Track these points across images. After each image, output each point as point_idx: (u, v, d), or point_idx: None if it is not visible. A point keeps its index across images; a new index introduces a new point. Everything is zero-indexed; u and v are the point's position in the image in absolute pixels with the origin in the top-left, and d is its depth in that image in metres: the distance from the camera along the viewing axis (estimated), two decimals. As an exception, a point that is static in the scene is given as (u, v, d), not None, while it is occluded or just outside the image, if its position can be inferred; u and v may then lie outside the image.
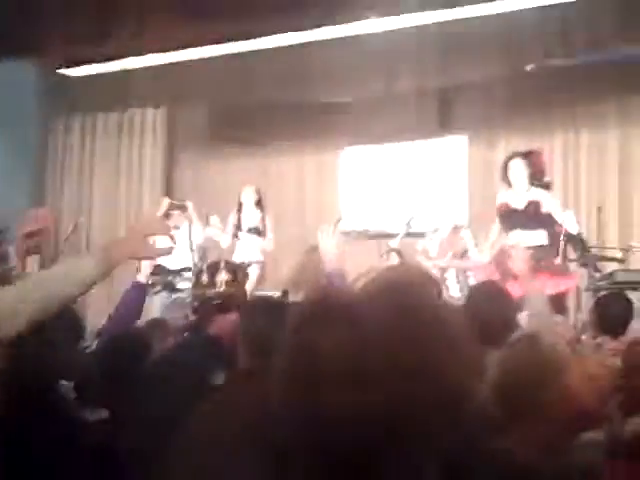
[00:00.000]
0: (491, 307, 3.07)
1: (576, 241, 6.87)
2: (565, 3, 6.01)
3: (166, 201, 7.79)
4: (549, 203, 5.92)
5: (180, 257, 7.02)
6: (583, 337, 4.43)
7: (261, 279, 7.40)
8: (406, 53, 6.85)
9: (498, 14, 6.24)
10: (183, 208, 7.76)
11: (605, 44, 6.61)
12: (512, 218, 5.87)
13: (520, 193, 5.95)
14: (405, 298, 0.95)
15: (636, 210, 7.80)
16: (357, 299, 0.95)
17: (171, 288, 7.16)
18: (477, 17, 6.19)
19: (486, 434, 1.79)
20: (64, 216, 9.63)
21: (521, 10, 6.14)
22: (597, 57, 7.23)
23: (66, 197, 9.82)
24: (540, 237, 5.91)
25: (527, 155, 6.11)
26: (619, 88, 7.90)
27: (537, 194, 5.93)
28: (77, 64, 7.31)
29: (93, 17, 6.01)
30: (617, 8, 6.13)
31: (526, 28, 6.54)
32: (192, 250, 7.07)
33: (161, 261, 6.96)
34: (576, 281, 6.17)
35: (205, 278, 6.42)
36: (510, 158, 6.13)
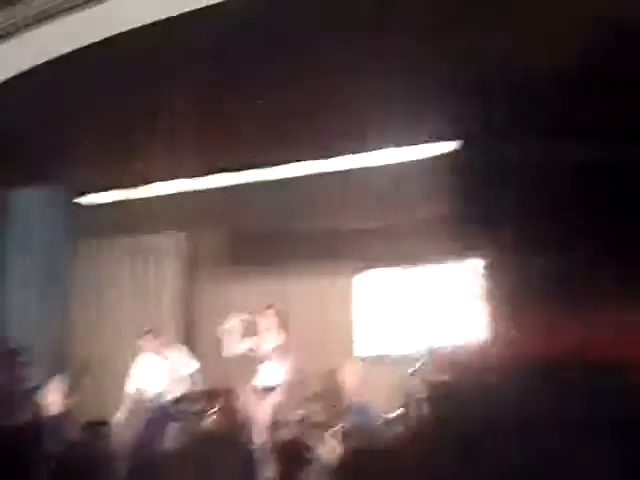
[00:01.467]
0: None
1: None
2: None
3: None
4: None
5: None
6: None
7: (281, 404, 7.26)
8: (422, 183, 6.98)
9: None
10: (156, 334, 8.03)
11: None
12: None
13: None
14: None
15: None
16: None
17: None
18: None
19: None
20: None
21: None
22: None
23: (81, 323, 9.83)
24: None
25: None
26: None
27: None
28: (97, 191, 7.52)
29: (116, 145, 6.20)
30: None
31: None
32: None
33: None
34: None
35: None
36: None
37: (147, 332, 8.03)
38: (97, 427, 5.86)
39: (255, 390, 7.28)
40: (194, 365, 7.87)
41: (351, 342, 8.17)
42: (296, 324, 9.19)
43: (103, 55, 5.13)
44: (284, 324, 7.50)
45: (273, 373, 7.32)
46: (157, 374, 7.65)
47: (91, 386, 9.25)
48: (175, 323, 9.78)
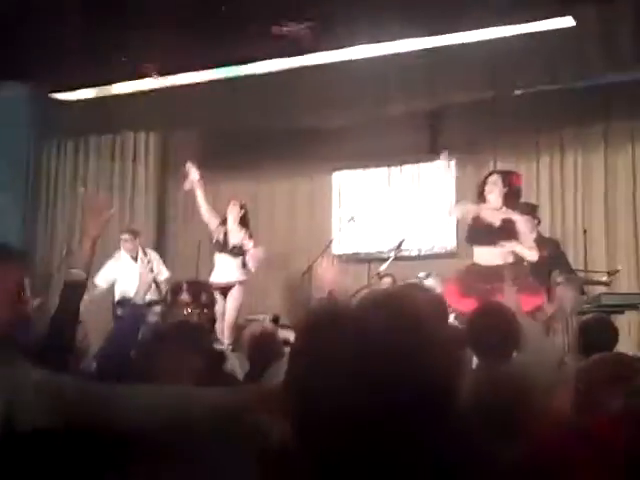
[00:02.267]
0: (497, 325, 3.15)
1: (562, 264, 6.96)
2: (551, 31, 6.14)
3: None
4: (522, 224, 5.90)
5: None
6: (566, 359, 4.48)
7: (243, 298, 7.22)
8: (395, 78, 6.96)
9: (486, 41, 6.36)
10: (136, 233, 7.90)
11: (590, 70, 6.73)
12: (484, 233, 5.82)
13: (493, 209, 5.92)
14: (394, 309, 1.05)
15: (621, 233, 7.89)
16: (357, 309, 1.06)
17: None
18: (466, 44, 6.31)
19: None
20: (57, 239, 9.69)
21: (509, 37, 6.26)
22: (583, 83, 7.36)
23: (59, 220, 9.84)
24: (509, 255, 5.89)
25: (506, 174, 6.15)
26: (604, 112, 8.04)
27: (512, 215, 5.92)
28: (70, 89, 7.39)
29: (86, 43, 6.08)
30: (601, 37, 6.26)
31: (513, 54, 6.66)
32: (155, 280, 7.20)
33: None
34: (544, 299, 6.13)
35: (168, 299, 6.38)
36: (489, 174, 6.17)
37: (127, 231, 7.97)
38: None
39: (216, 287, 7.10)
40: (165, 273, 7.76)
41: (329, 240, 8.28)
42: (272, 224, 9.35)
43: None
44: (246, 220, 7.33)
45: (232, 268, 7.15)
46: (130, 274, 7.62)
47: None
48: (148, 225, 9.82)
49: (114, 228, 9.54)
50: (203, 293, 6.89)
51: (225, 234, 7.22)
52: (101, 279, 7.59)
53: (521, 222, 5.88)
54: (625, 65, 6.40)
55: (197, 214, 9.76)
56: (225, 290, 7.07)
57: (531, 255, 5.87)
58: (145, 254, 7.75)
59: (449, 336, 1.09)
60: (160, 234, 9.95)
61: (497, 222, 5.79)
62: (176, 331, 2.57)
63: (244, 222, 7.30)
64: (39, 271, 9.36)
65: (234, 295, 7.11)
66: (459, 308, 5.66)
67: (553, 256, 6.88)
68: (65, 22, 5.87)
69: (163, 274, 7.68)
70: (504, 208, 5.85)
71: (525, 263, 5.88)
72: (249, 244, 7.13)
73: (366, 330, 1.00)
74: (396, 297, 1.10)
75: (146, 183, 9.88)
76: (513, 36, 6.22)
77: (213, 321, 6.47)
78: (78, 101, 7.75)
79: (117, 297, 7.45)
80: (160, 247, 9.55)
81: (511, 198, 5.90)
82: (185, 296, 6.68)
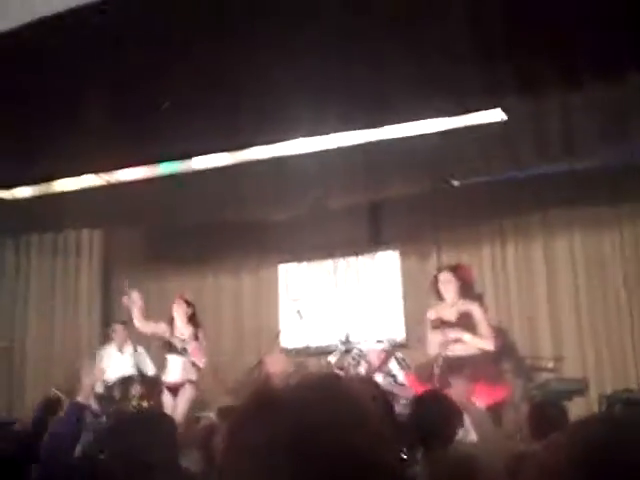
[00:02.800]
0: (437, 415, 3.17)
1: (510, 351, 7.00)
2: (486, 125, 6.34)
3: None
4: (478, 314, 6.04)
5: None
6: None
7: (195, 398, 7.22)
8: (335, 171, 7.08)
9: (424, 134, 6.54)
10: (125, 324, 7.89)
11: (525, 162, 6.94)
12: (445, 330, 5.95)
13: (451, 305, 6.09)
14: (329, 390, 1.05)
15: (565, 319, 7.97)
16: (291, 391, 1.05)
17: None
18: (402, 137, 6.48)
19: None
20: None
21: (445, 130, 6.45)
22: (519, 174, 7.58)
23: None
24: (472, 348, 6.00)
25: (455, 269, 6.29)
26: (541, 202, 8.27)
27: (467, 306, 6.06)
28: (8, 187, 7.35)
29: (24, 139, 6.09)
30: (535, 129, 6.49)
31: (450, 147, 6.85)
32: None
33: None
34: (509, 390, 6.22)
35: (117, 393, 6.28)
36: (439, 271, 6.32)
37: (119, 322, 8.04)
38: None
39: (167, 385, 7.10)
40: (152, 369, 7.80)
41: (277, 333, 8.24)
42: (219, 318, 9.25)
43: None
44: (194, 317, 7.34)
45: (181, 367, 7.14)
46: (116, 365, 7.60)
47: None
48: (92, 323, 9.65)
49: (58, 325, 9.41)
50: (154, 387, 6.79)
51: (172, 334, 7.20)
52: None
53: (477, 312, 6.02)
54: (556, 157, 6.62)
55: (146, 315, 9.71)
56: (175, 389, 7.08)
57: (486, 344, 5.95)
58: (135, 349, 7.77)
59: (382, 417, 1.08)
60: (105, 333, 9.76)
61: (454, 317, 5.95)
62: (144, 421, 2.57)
63: (192, 320, 7.30)
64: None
65: (184, 393, 7.07)
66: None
67: (502, 344, 6.94)
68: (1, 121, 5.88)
69: (150, 369, 7.73)
70: (461, 301, 6.02)
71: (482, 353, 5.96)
72: (191, 343, 7.13)
73: (300, 410, 0.99)
74: (331, 379, 1.11)
75: (89, 280, 9.75)
76: (449, 129, 6.41)
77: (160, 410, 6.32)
78: (17, 200, 7.69)
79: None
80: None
81: (465, 290, 6.08)
82: (137, 389, 6.55)
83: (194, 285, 9.55)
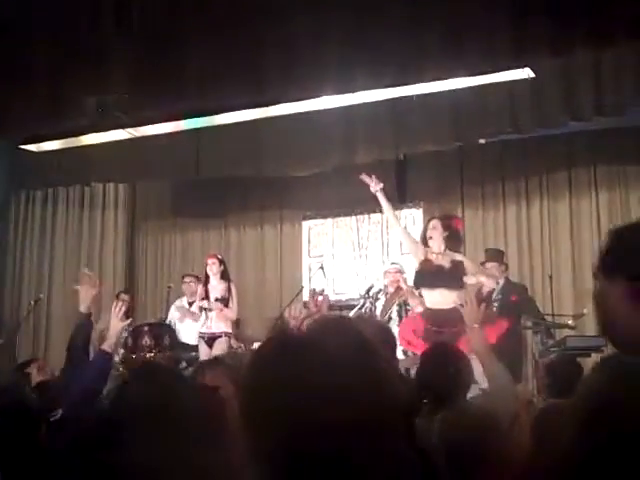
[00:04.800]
0: (445, 369, 3.16)
1: (530, 308, 7.04)
2: (514, 81, 6.30)
3: None
4: (468, 263, 5.98)
5: None
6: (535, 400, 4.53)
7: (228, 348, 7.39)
8: (361, 127, 7.07)
9: (450, 91, 6.51)
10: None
11: (552, 120, 6.89)
12: (436, 276, 5.87)
13: (438, 253, 5.98)
14: (344, 331, 1.08)
15: (588, 277, 7.99)
16: (307, 331, 1.09)
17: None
18: (430, 93, 6.44)
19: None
20: (24, 290, 9.59)
21: (472, 87, 6.41)
22: (545, 132, 7.53)
23: (26, 271, 9.75)
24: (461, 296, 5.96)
25: (444, 218, 6.25)
26: (567, 161, 8.22)
27: (456, 255, 5.99)
28: (39, 140, 7.41)
29: (54, 94, 6.12)
30: (562, 87, 6.43)
31: (477, 104, 6.81)
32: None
33: None
34: (510, 322, 6.21)
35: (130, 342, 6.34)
36: (430, 220, 6.29)
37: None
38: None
39: (202, 336, 7.41)
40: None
41: (300, 288, 8.35)
42: (242, 272, 9.35)
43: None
44: (226, 273, 7.55)
45: (218, 321, 7.40)
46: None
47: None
48: (117, 275, 9.78)
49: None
50: (165, 336, 6.89)
51: (206, 290, 7.48)
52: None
53: (467, 261, 5.99)
54: (584, 115, 6.57)
55: (166, 262, 9.83)
56: (211, 340, 7.36)
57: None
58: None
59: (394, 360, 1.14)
60: (130, 281, 9.91)
61: (446, 265, 5.86)
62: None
63: (224, 275, 7.53)
64: (6, 318, 9.29)
65: (219, 345, 7.30)
66: (411, 347, 5.77)
67: (521, 301, 6.97)
68: (32, 74, 5.92)
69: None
70: (447, 251, 5.92)
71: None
72: (232, 295, 7.44)
73: (316, 350, 1.03)
74: (345, 321, 1.15)
75: (115, 234, 9.85)
76: (476, 86, 6.37)
77: (177, 363, 6.43)
78: (46, 152, 7.76)
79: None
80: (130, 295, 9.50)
81: (452, 241, 5.99)
82: (147, 340, 6.55)
83: (217, 239, 9.65)
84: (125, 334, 7.17)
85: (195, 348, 7.50)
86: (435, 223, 6.05)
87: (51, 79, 6.00)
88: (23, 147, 7.55)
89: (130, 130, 7.26)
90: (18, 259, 9.77)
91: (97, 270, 9.66)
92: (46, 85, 6.04)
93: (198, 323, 7.57)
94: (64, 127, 6.84)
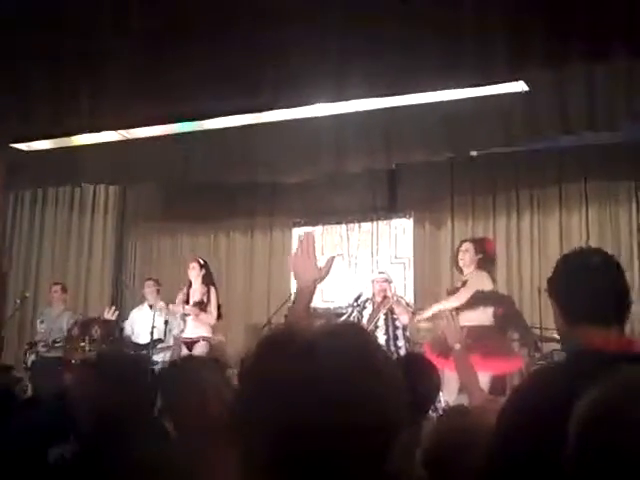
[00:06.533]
0: (416, 379, 3.14)
1: (517, 321, 7.03)
2: (506, 94, 6.30)
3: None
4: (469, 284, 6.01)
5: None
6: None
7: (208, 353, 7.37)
8: (353, 136, 7.06)
9: (442, 102, 6.51)
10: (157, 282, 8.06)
11: (544, 134, 6.90)
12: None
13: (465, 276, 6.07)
14: (347, 336, 1.08)
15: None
16: (310, 334, 1.07)
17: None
18: (422, 104, 6.44)
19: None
20: (10, 289, 9.52)
21: (465, 99, 6.41)
22: (537, 145, 7.54)
23: (13, 270, 9.70)
24: (485, 317, 6.04)
25: (476, 240, 6.28)
26: (558, 175, 8.24)
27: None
28: (30, 139, 7.37)
29: (46, 95, 6.10)
30: (555, 101, 6.44)
31: (469, 116, 6.81)
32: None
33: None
34: (521, 364, 6.25)
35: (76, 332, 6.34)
36: (462, 243, 6.30)
37: (151, 279, 8.16)
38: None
39: (183, 341, 7.41)
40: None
41: (289, 296, 8.31)
42: (231, 278, 9.32)
43: None
44: (209, 277, 7.55)
45: (193, 325, 7.40)
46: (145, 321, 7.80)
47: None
48: (105, 277, 9.74)
49: (70, 279, 9.49)
50: (111, 329, 6.89)
51: (188, 294, 7.48)
52: (127, 326, 7.84)
53: (472, 280, 5.99)
54: (577, 129, 6.58)
55: (154, 265, 9.78)
56: (190, 345, 7.36)
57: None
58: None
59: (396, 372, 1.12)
60: (118, 287, 9.87)
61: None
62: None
63: (205, 279, 7.50)
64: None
65: (199, 349, 7.30)
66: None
67: (509, 314, 6.97)
68: (26, 73, 5.89)
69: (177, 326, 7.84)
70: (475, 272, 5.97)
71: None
72: (211, 299, 7.40)
73: (316, 353, 1.01)
74: (351, 327, 1.16)
75: (104, 236, 9.81)
76: (469, 98, 6.37)
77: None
78: (37, 152, 7.72)
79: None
80: (117, 300, 9.47)
81: (485, 263, 6.01)
82: (95, 332, 6.47)
83: (207, 243, 9.63)
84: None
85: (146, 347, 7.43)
86: (467, 246, 6.06)
87: (46, 80, 5.98)
88: (13, 145, 7.50)
89: (122, 132, 7.24)
90: (6, 258, 9.69)
91: (85, 272, 9.64)
92: (40, 85, 6.02)
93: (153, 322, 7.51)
94: (58, 127, 6.80)
